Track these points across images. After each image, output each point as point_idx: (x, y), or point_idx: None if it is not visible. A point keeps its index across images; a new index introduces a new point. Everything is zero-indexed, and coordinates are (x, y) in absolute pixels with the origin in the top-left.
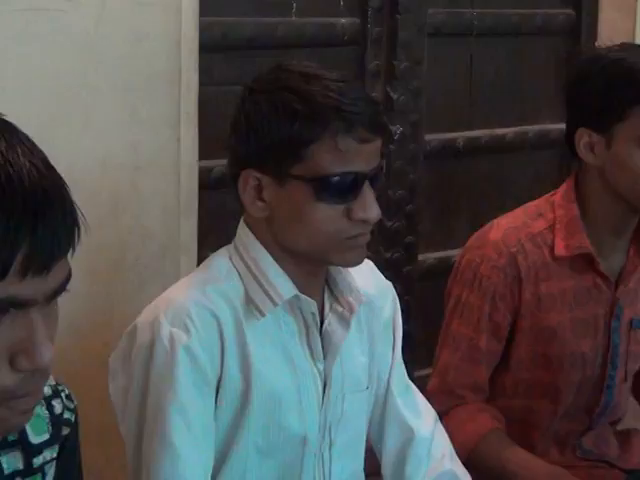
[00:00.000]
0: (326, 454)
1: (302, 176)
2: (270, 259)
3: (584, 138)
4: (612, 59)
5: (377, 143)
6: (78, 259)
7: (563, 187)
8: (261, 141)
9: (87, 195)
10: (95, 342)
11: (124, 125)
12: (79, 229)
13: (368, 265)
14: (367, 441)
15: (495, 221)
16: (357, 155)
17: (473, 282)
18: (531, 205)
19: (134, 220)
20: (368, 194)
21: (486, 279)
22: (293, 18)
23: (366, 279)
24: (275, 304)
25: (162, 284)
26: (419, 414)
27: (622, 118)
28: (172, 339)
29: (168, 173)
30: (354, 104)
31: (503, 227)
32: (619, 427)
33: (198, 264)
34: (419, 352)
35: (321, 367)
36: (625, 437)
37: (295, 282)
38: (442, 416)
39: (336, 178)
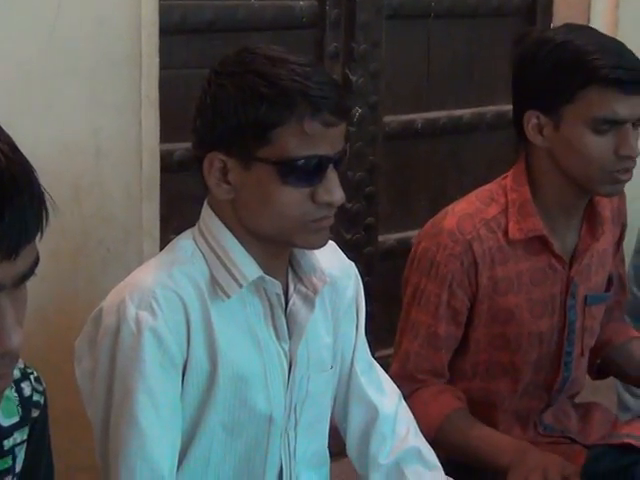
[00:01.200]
0: (291, 433)
1: (268, 159)
2: (234, 241)
3: (532, 120)
4: (559, 41)
5: (342, 127)
6: (41, 243)
7: (513, 170)
8: (227, 124)
9: (49, 180)
10: (60, 325)
11: (85, 110)
12: (47, 213)
13: (331, 246)
14: (332, 420)
15: (449, 208)
16: (323, 139)
17: (430, 270)
18: (483, 190)
19: (96, 204)
20: (333, 177)
21: (443, 267)
22: (252, 1)
23: (329, 260)
24: (240, 286)
25: (125, 267)
26: (383, 392)
27: (571, 100)
28: (138, 321)
29: (130, 157)
30: (320, 88)
31: (457, 214)
32: (577, 400)
33: (161, 247)
34: (380, 332)
35: (286, 347)
36: (584, 411)
37: (259, 263)
38: (405, 399)
39: (302, 161)
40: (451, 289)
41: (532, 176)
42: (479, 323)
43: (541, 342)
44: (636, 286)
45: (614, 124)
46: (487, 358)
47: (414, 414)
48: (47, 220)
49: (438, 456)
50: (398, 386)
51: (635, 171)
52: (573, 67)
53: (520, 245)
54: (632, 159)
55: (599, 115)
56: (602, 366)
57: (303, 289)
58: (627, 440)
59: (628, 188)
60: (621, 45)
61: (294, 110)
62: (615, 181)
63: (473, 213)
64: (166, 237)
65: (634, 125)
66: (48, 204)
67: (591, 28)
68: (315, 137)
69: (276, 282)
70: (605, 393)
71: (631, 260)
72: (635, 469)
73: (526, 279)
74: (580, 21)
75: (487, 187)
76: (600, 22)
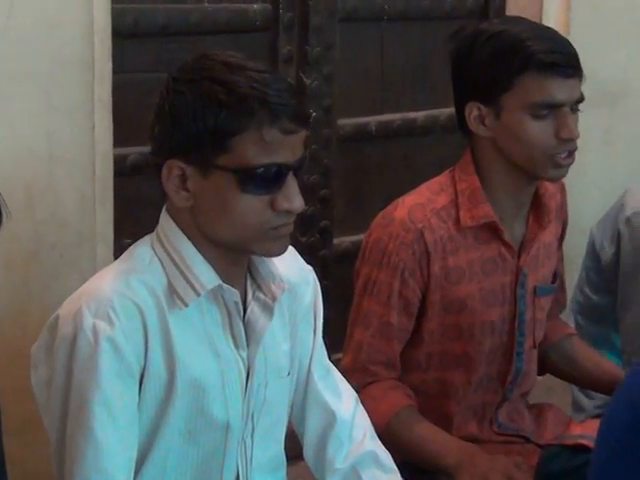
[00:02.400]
0: (248, 440)
1: (227, 167)
2: (193, 248)
3: (474, 111)
4: (494, 32)
5: (301, 134)
6: None
7: (461, 162)
8: (186, 132)
9: (1, 185)
10: (13, 331)
11: (38, 114)
12: (0, 216)
13: (290, 251)
14: (289, 423)
15: (400, 199)
16: (282, 146)
17: (382, 260)
18: (433, 181)
19: (50, 209)
20: (292, 185)
21: (395, 256)
22: (206, 4)
23: (288, 265)
24: (198, 294)
25: (79, 273)
26: (340, 397)
27: (509, 88)
28: (95, 330)
29: (83, 161)
30: (279, 95)
31: (408, 204)
32: (531, 401)
33: (115, 252)
34: (337, 335)
35: (244, 355)
36: (538, 411)
37: (218, 271)
38: (357, 392)
39: (261, 169)
40: (403, 278)
41: (479, 166)
42: (432, 314)
43: (493, 332)
44: (588, 287)
45: (552, 108)
46: (440, 349)
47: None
48: (1, 223)
49: (394, 459)
50: (350, 378)
51: (585, 172)
52: (509, 55)
53: (471, 233)
54: (572, 141)
55: (537, 100)
56: (540, 363)
57: (262, 296)
58: (581, 441)
59: (580, 190)
60: (554, 32)
61: (253, 118)
62: (558, 165)
63: (424, 203)
64: (120, 242)
65: (572, 109)
66: (2, 209)
67: (525, 18)
68: (274, 145)
69: (234, 290)
70: (559, 394)
71: (583, 262)
72: (588, 469)
73: (477, 268)
74: None
75: (436, 179)
76: (552, 24)
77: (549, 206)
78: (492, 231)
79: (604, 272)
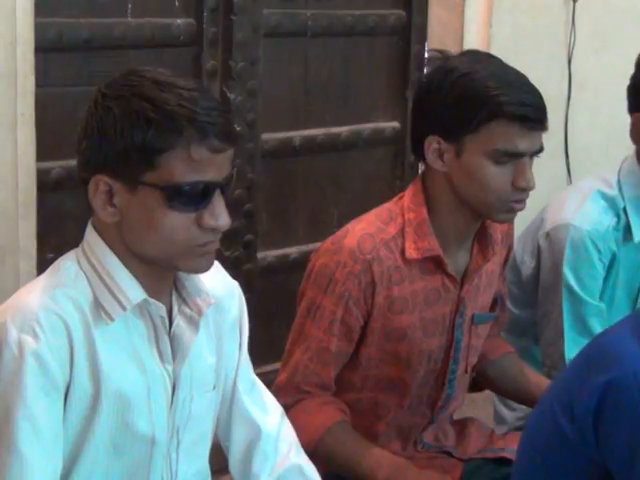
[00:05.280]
0: (173, 454)
1: (154, 184)
2: (118, 263)
3: (433, 145)
4: (465, 71)
5: (229, 153)
6: None
7: (410, 189)
8: (113, 148)
9: None
10: None
11: None
12: None
13: (215, 266)
14: (214, 438)
15: (349, 226)
16: (210, 164)
17: (327, 287)
18: (383, 209)
19: None
20: (219, 202)
21: (341, 284)
22: (129, 19)
23: (213, 280)
24: (124, 309)
25: (1, 286)
26: (265, 410)
27: (474, 131)
28: (20, 345)
29: (5, 175)
30: (208, 114)
31: (358, 233)
32: (455, 415)
33: (37, 266)
34: (260, 348)
35: (170, 369)
36: (461, 427)
37: (144, 286)
38: (288, 409)
39: (188, 187)
40: (347, 306)
41: (429, 197)
42: (372, 340)
43: (429, 360)
44: (510, 301)
45: (513, 156)
46: (377, 373)
47: (296, 424)
48: None
49: (318, 468)
50: (282, 395)
51: (540, 195)
52: (479, 101)
53: (416, 265)
54: (527, 191)
55: (501, 148)
56: (478, 380)
57: (187, 311)
58: (502, 454)
59: (532, 207)
60: (524, 79)
61: (181, 136)
62: (510, 210)
63: (374, 233)
64: (43, 256)
65: (530, 156)
66: None
67: (493, 57)
68: (202, 163)
69: (160, 305)
70: (481, 406)
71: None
72: None
73: (420, 299)
74: (453, 41)
75: (386, 206)
76: (473, 42)
77: (494, 237)
78: (436, 263)
79: (525, 286)
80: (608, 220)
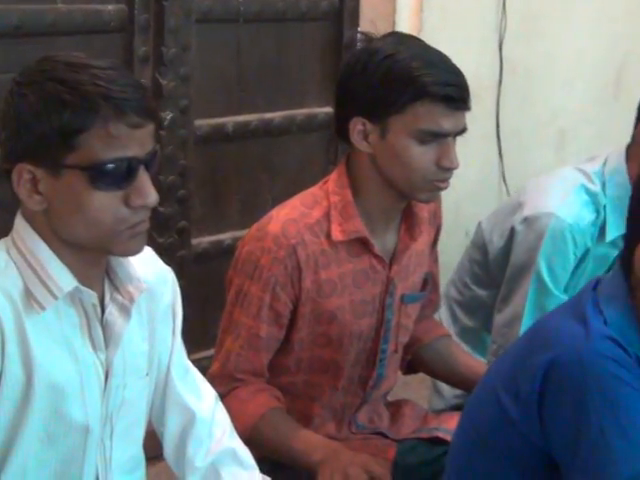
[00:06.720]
0: (107, 442)
1: (76, 165)
2: (49, 251)
3: (358, 126)
4: (388, 53)
5: (149, 128)
6: None
7: (335, 173)
8: (32, 134)
9: None
10: None
11: None
12: None
13: (147, 252)
14: (149, 424)
15: (274, 212)
16: (130, 140)
17: (254, 273)
18: (307, 194)
19: None
20: (144, 179)
21: (267, 271)
22: (59, 5)
23: (146, 266)
24: (55, 297)
25: None
26: (199, 396)
27: (399, 112)
28: None
29: None
30: (123, 91)
31: (282, 219)
32: (389, 397)
33: None
34: (194, 335)
35: (103, 357)
36: (396, 408)
37: (75, 273)
38: (223, 398)
39: (111, 165)
40: (274, 292)
41: (354, 179)
42: (302, 324)
43: (360, 340)
44: (471, 279)
45: (438, 136)
46: (310, 355)
47: (231, 412)
48: None
49: (254, 454)
50: (216, 385)
51: (472, 178)
52: (403, 82)
53: (343, 247)
54: (451, 170)
55: (425, 128)
56: (412, 362)
57: (119, 298)
58: (436, 433)
59: (463, 190)
60: (447, 59)
61: (98, 114)
62: (434, 189)
63: (297, 218)
64: None
65: (454, 136)
66: None
67: (417, 39)
68: (122, 139)
69: (92, 292)
70: (416, 388)
71: (465, 253)
72: (444, 460)
73: (349, 281)
74: (385, 26)
75: (310, 191)
76: (405, 26)
77: (421, 217)
78: (363, 245)
79: (490, 265)
80: (589, 215)
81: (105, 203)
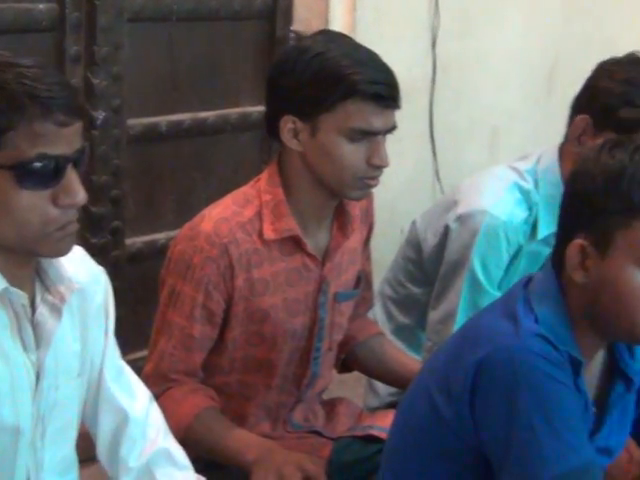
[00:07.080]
0: (38, 443)
1: (2, 165)
2: None
3: (288, 124)
4: (318, 52)
5: (77, 126)
6: None
7: (267, 172)
8: None
9: None
10: None
11: None
12: None
13: (79, 252)
14: (82, 425)
15: (206, 212)
16: (57, 139)
17: (186, 273)
18: (239, 193)
19: None
20: (73, 178)
21: (199, 270)
22: None
23: (77, 266)
24: None
25: None
26: (133, 396)
27: (329, 110)
28: None
29: None
30: (49, 89)
31: (214, 218)
32: (325, 395)
33: None
34: (128, 335)
35: (34, 358)
36: (331, 407)
37: (4, 274)
38: (157, 398)
39: (37, 163)
40: (207, 291)
41: (285, 177)
42: (235, 323)
43: (294, 338)
44: (405, 276)
45: (368, 134)
46: (243, 354)
47: (165, 413)
48: None
49: (188, 454)
50: (150, 385)
51: (406, 176)
52: (333, 80)
53: (275, 246)
54: (382, 168)
55: (355, 126)
56: (346, 361)
57: (50, 298)
58: (370, 431)
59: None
60: (376, 58)
61: (23, 113)
62: (364, 187)
63: (229, 217)
64: None
65: (384, 134)
66: None
67: (347, 37)
68: (48, 138)
69: (22, 293)
70: (351, 386)
71: (400, 251)
72: (378, 458)
73: (282, 280)
74: (319, 24)
75: (242, 190)
76: (338, 25)
77: (353, 215)
78: (296, 243)
79: (424, 263)
80: (521, 213)
81: (33, 203)
